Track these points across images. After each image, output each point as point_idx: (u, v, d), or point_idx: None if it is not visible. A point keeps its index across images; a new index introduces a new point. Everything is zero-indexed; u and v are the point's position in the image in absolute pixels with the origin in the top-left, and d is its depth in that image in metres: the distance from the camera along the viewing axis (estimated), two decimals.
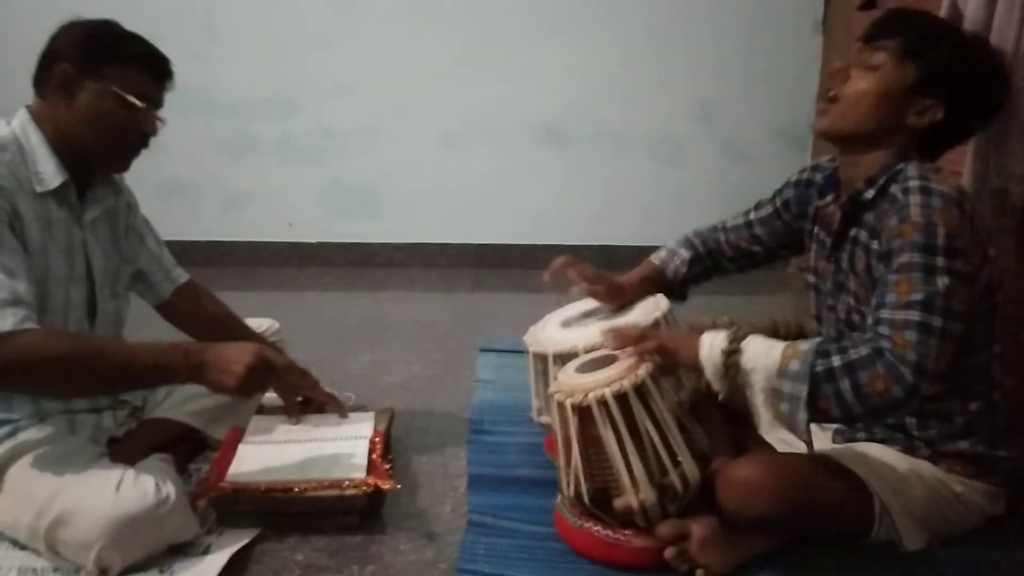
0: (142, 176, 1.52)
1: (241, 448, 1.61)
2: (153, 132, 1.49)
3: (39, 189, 1.40)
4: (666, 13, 3.36)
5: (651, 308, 1.65)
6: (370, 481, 1.49)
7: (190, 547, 1.40)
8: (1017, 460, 1.44)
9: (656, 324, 1.59)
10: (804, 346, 1.24)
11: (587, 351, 1.53)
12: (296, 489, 1.46)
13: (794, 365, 1.22)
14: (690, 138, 3.51)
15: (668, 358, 1.37)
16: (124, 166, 1.52)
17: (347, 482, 1.48)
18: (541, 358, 1.64)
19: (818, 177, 1.58)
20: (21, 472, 1.36)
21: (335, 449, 1.60)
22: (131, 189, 1.67)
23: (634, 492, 1.33)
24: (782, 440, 1.52)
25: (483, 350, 2.46)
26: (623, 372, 1.35)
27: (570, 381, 1.40)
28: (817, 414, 1.22)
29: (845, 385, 1.19)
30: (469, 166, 3.53)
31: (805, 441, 1.32)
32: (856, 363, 1.20)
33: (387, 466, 1.56)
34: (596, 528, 1.40)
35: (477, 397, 2.13)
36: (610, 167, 3.54)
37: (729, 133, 3.49)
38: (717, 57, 3.41)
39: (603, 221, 3.57)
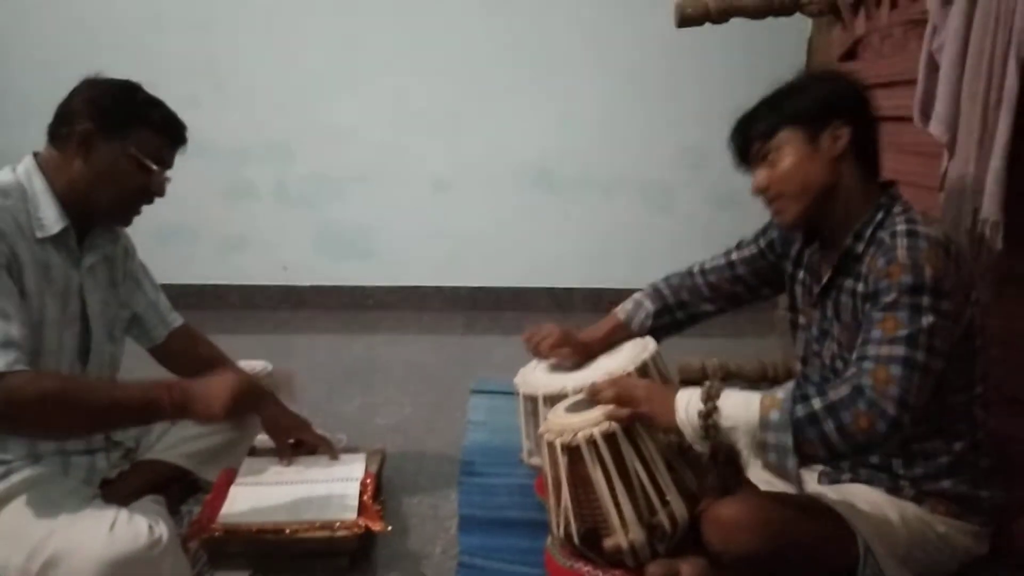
0: (139, 221, 1.57)
1: (233, 490, 1.62)
2: (161, 194, 1.54)
3: (39, 234, 1.43)
4: (655, 62, 3.45)
5: (639, 350, 1.67)
6: (361, 523, 1.50)
7: None
8: (1000, 500, 1.46)
9: (643, 367, 1.61)
10: (781, 394, 1.26)
11: (576, 392, 1.55)
12: (287, 531, 1.48)
13: (774, 415, 1.24)
14: (679, 183, 3.58)
15: (645, 421, 1.37)
16: (127, 222, 1.57)
17: (338, 524, 1.49)
18: (531, 399, 1.66)
19: None
20: (14, 513, 1.37)
21: (326, 491, 1.62)
22: (128, 234, 1.70)
23: (623, 532, 1.35)
24: (768, 481, 1.54)
25: (474, 392, 2.48)
26: (612, 412, 1.37)
27: (560, 421, 1.42)
28: (804, 458, 1.24)
29: (829, 427, 1.22)
30: (462, 211, 3.59)
31: (795, 486, 1.34)
32: (838, 404, 1.22)
33: (378, 508, 1.58)
34: (586, 568, 1.41)
35: (468, 439, 2.14)
36: (601, 211, 3.60)
37: (717, 178, 3.56)
38: (705, 104, 3.48)
39: (594, 265, 3.61)
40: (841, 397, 1.23)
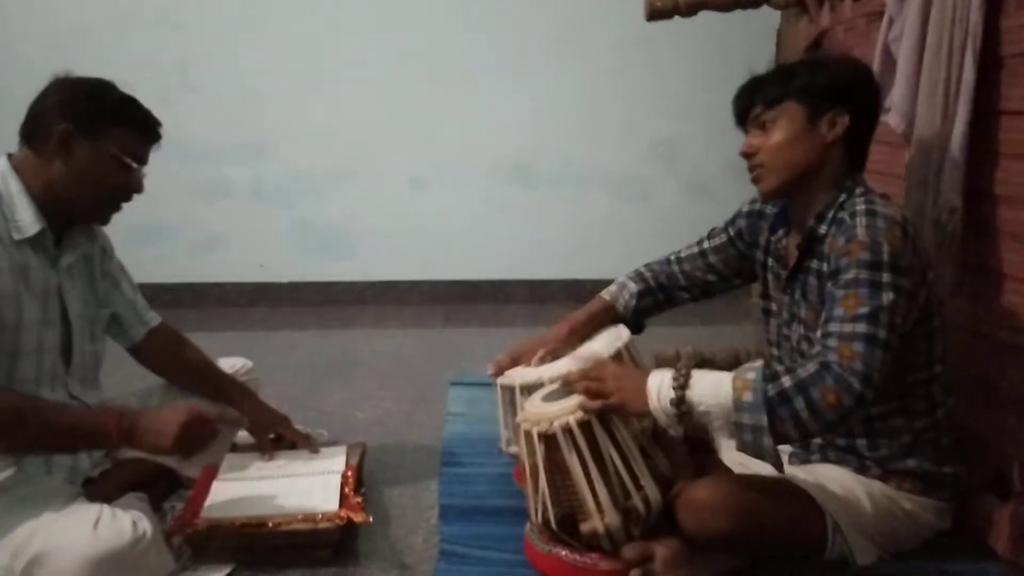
0: (115, 220, 1.57)
1: (215, 485, 1.64)
2: (140, 191, 1.55)
3: (16, 236, 1.43)
4: (628, 56, 3.49)
5: (613, 339, 1.70)
6: (343, 514, 1.52)
7: None
8: (962, 477, 1.51)
9: (618, 355, 1.64)
10: (751, 375, 1.28)
11: (552, 382, 1.58)
12: (270, 524, 1.49)
13: (747, 396, 1.26)
14: (652, 175, 3.63)
15: (617, 411, 1.39)
16: (106, 220, 1.58)
17: (320, 516, 1.52)
18: (508, 390, 1.69)
19: (768, 209, 1.66)
20: None
21: (308, 484, 1.64)
22: (106, 233, 1.71)
23: (599, 516, 1.38)
24: (741, 464, 1.58)
25: (454, 384, 2.50)
26: (586, 403, 1.40)
27: (536, 410, 1.45)
28: (778, 437, 1.27)
29: (800, 403, 1.24)
30: (438, 205, 3.60)
31: (774, 465, 1.38)
32: (806, 380, 1.25)
33: (359, 499, 1.60)
34: (564, 553, 1.44)
35: (448, 430, 2.17)
36: (576, 204, 3.64)
37: (689, 170, 3.62)
38: (677, 97, 3.54)
39: (570, 256, 3.65)
40: (809, 374, 1.26)
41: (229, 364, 1.90)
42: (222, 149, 3.50)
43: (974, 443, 1.60)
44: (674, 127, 3.57)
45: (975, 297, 1.66)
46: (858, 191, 1.43)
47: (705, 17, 2.43)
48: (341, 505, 1.55)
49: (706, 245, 1.78)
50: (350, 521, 1.52)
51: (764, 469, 1.46)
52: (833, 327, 1.30)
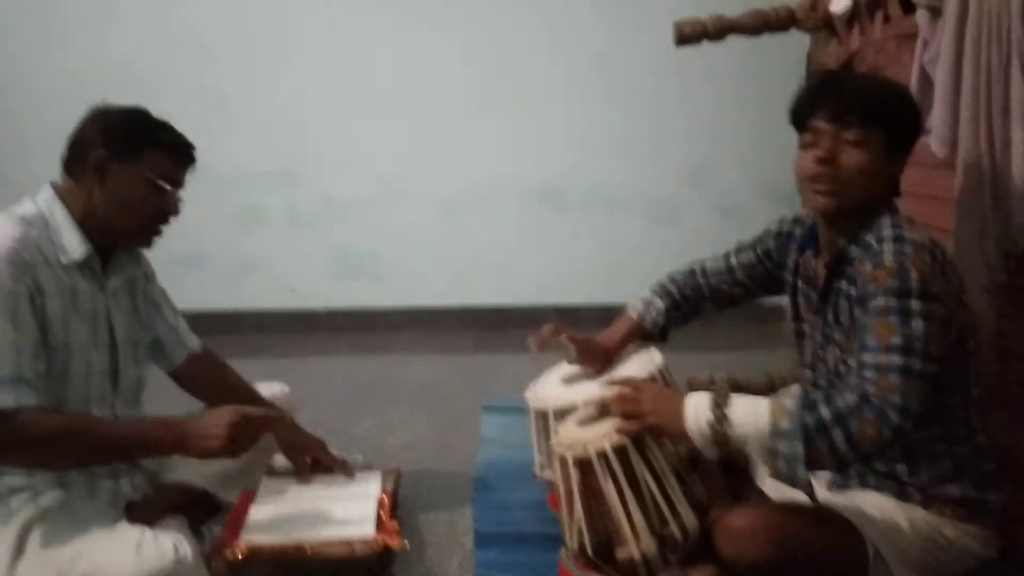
0: (153, 247, 1.62)
1: (253, 509, 1.66)
2: (176, 213, 1.58)
3: (64, 261, 1.48)
4: (659, 80, 3.50)
5: (646, 362, 1.70)
6: (379, 539, 1.53)
7: None
8: (1006, 503, 1.48)
9: (651, 379, 1.64)
10: (789, 402, 1.28)
11: (586, 405, 1.58)
12: (308, 549, 1.51)
13: (785, 424, 1.26)
14: (684, 199, 3.63)
15: (654, 431, 1.40)
16: (148, 243, 1.61)
17: (357, 541, 1.53)
18: (542, 414, 1.69)
19: (798, 231, 1.65)
20: (43, 536, 1.41)
21: (344, 508, 1.65)
22: (148, 259, 1.75)
23: (635, 543, 1.37)
24: (778, 490, 1.56)
25: (486, 409, 2.51)
26: (622, 426, 1.40)
27: (571, 435, 1.46)
28: (813, 466, 1.26)
29: (838, 435, 1.24)
30: (469, 231, 3.63)
31: (807, 493, 1.37)
32: (845, 412, 1.24)
33: (395, 524, 1.60)
34: None
35: (481, 456, 2.17)
36: (607, 228, 3.65)
37: (721, 193, 3.61)
38: (708, 121, 3.55)
39: (602, 281, 3.65)
40: (848, 406, 1.25)
41: (267, 389, 1.93)
42: (256, 176, 3.57)
43: (1016, 470, 1.57)
44: (704, 151, 3.58)
45: (1013, 321, 1.62)
46: (886, 214, 1.42)
47: (734, 41, 2.44)
48: (377, 530, 1.56)
49: (733, 261, 1.78)
50: (387, 546, 1.53)
51: (801, 495, 1.45)
52: (868, 358, 1.29)
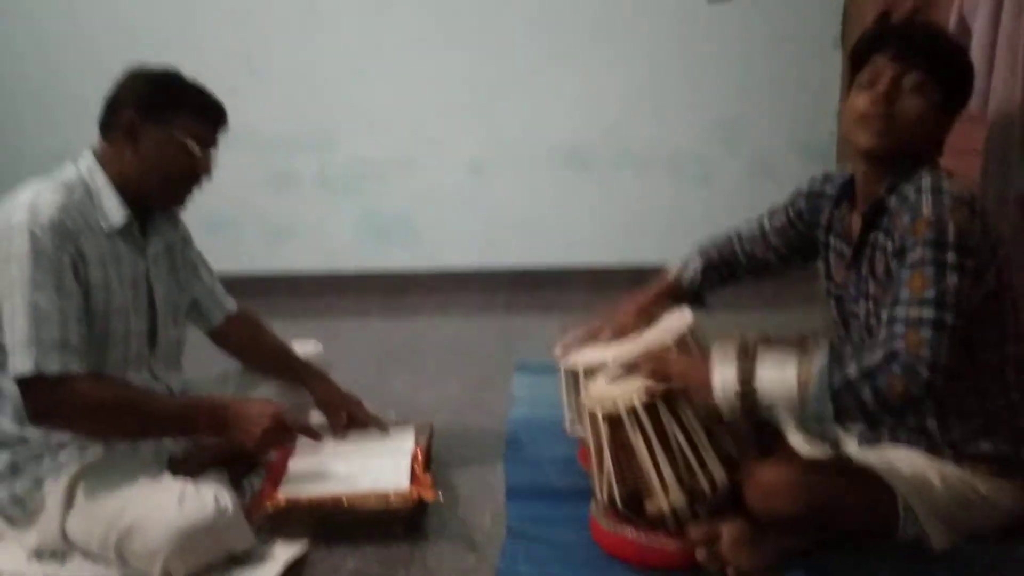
0: (187, 212, 1.65)
1: (292, 464, 1.70)
2: (208, 174, 1.60)
3: (105, 227, 1.51)
4: (687, 35, 3.44)
5: (676, 322, 1.70)
6: (413, 492, 1.57)
7: (247, 557, 1.49)
8: None
9: (682, 339, 1.64)
10: (815, 366, 1.28)
11: (616, 364, 1.59)
12: (344, 501, 1.55)
13: (812, 389, 1.26)
14: (714, 156, 3.58)
15: (680, 396, 1.41)
16: (182, 203, 1.64)
17: (392, 493, 1.57)
18: (572, 373, 1.71)
19: (828, 188, 1.63)
20: (91, 489, 1.47)
21: (379, 463, 1.69)
22: (184, 223, 1.78)
23: (664, 496, 1.39)
24: (806, 445, 1.57)
25: (518, 369, 2.53)
26: (650, 385, 1.41)
27: (600, 392, 1.47)
28: (842, 421, 1.27)
29: (866, 393, 1.24)
30: (499, 192, 3.63)
31: (834, 449, 1.38)
32: (873, 369, 1.24)
33: (429, 478, 1.64)
34: (630, 532, 1.46)
35: (513, 413, 2.20)
36: (636, 187, 3.61)
37: (752, 150, 3.55)
38: (739, 76, 3.48)
39: (631, 240, 3.63)
40: (876, 362, 1.24)
41: (301, 347, 1.96)
42: (288, 140, 3.59)
43: None
44: (736, 107, 3.51)
45: None
46: (926, 167, 1.40)
47: None
48: (412, 483, 1.60)
49: (767, 226, 1.76)
50: (420, 499, 1.57)
51: (828, 451, 1.45)
52: (899, 311, 1.28)
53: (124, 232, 1.54)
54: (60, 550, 1.50)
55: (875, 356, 1.25)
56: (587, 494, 1.59)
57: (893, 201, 1.40)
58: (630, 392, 1.41)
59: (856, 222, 1.52)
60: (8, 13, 3.45)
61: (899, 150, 1.41)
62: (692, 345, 1.67)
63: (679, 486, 1.39)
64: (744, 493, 1.39)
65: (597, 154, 3.59)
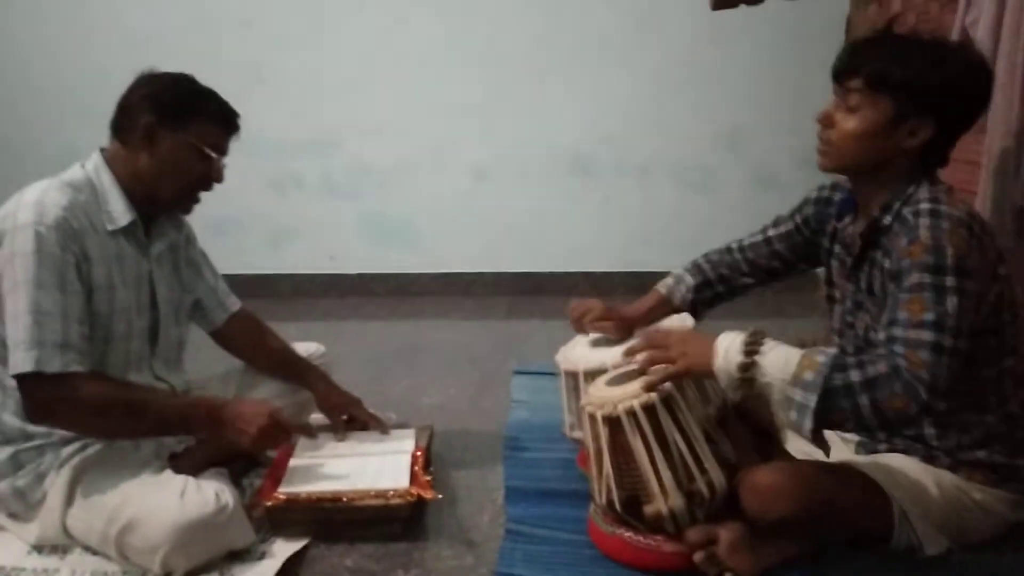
0: (192, 214, 1.66)
1: (292, 463, 1.71)
2: (220, 180, 1.62)
3: (110, 227, 1.53)
4: (692, 44, 3.45)
5: (677, 324, 1.72)
6: (413, 491, 1.58)
7: (247, 553, 1.50)
8: None
9: None
10: (821, 358, 1.28)
11: (616, 367, 1.60)
12: (344, 499, 1.56)
13: (808, 375, 1.26)
14: (718, 166, 3.59)
15: (682, 376, 1.40)
16: (189, 210, 1.66)
17: (392, 492, 1.57)
18: (572, 375, 1.72)
19: (836, 196, 1.64)
20: (92, 483, 1.48)
21: (379, 462, 1.70)
22: (189, 223, 1.80)
23: (663, 499, 1.40)
24: (805, 452, 1.58)
25: (517, 372, 2.54)
26: (650, 383, 1.42)
27: (600, 394, 1.48)
28: (828, 424, 1.27)
29: (864, 400, 1.24)
30: (502, 197, 3.64)
31: (820, 448, 1.38)
32: (876, 380, 1.24)
33: (428, 478, 1.65)
34: (628, 534, 1.47)
35: (512, 416, 2.21)
36: (639, 195, 3.63)
37: (756, 160, 3.57)
38: (742, 86, 3.50)
39: (633, 248, 3.64)
40: (879, 374, 1.24)
41: (303, 348, 1.98)
42: (293, 144, 3.60)
43: None
44: (740, 116, 3.53)
45: None
46: (924, 185, 1.40)
47: (773, 4, 2.40)
48: (411, 483, 1.61)
49: (771, 233, 1.77)
50: (420, 498, 1.57)
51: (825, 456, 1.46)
52: (898, 332, 1.28)
53: (128, 232, 1.56)
54: (61, 544, 1.51)
55: (879, 368, 1.25)
56: (585, 496, 1.60)
57: (889, 221, 1.41)
58: (629, 395, 1.42)
59: (857, 237, 1.53)
60: (18, 20, 3.48)
61: (850, 169, 1.43)
62: None
63: (678, 489, 1.39)
64: (741, 497, 1.40)
65: (600, 161, 3.61)
